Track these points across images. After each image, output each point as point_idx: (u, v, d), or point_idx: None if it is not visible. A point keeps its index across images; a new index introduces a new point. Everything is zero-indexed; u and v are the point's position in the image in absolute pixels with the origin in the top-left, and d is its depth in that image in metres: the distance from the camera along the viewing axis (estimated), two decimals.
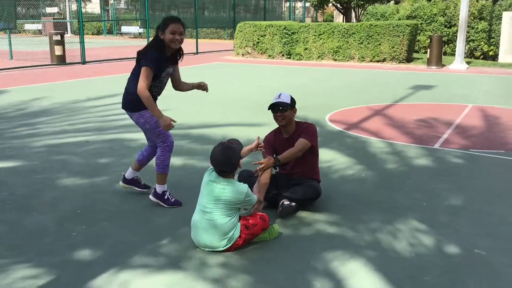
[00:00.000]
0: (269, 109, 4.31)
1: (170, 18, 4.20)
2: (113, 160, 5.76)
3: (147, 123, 4.29)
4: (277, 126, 4.42)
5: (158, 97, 4.46)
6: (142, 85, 4.07)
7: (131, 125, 7.55)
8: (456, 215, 4.19)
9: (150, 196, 4.36)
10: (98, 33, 39.81)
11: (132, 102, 4.29)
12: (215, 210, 3.44)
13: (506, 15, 17.67)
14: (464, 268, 3.30)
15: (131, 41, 30.67)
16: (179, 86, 4.74)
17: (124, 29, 36.61)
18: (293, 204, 4.13)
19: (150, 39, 23.22)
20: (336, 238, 3.75)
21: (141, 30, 32.34)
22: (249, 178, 4.23)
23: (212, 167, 3.59)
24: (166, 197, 4.33)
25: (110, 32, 39.73)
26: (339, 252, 3.49)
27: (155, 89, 4.32)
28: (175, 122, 4.20)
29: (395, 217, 4.11)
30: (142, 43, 22.99)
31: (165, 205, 4.30)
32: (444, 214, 4.23)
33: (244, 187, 3.53)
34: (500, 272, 3.26)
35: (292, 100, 4.32)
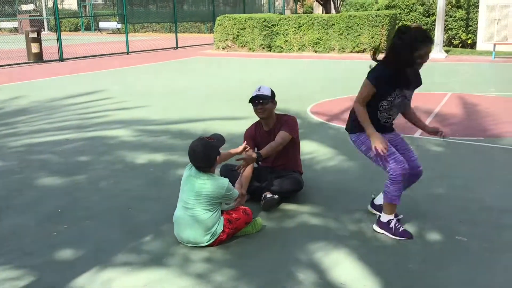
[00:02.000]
0: (249, 102, 4.29)
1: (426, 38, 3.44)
2: (94, 158, 5.69)
3: (363, 143, 3.66)
4: (258, 119, 4.41)
5: (387, 125, 3.73)
6: (357, 97, 3.57)
7: (112, 122, 7.48)
8: (437, 203, 4.24)
9: (374, 226, 3.71)
10: (76, 29, 39.28)
11: (352, 121, 3.70)
12: (197, 205, 3.42)
13: (483, 3, 17.87)
14: (446, 254, 3.34)
15: (110, 37, 30.34)
16: (406, 114, 3.93)
17: (102, 25, 36.14)
18: (276, 196, 4.13)
19: (129, 34, 22.74)
20: (319, 229, 3.76)
21: (119, 26, 31.95)
22: (231, 172, 4.22)
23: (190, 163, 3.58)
24: (391, 225, 3.60)
25: (88, 28, 39.22)
26: (322, 243, 3.50)
27: (383, 113, 3.62)
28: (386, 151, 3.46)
29: None
30: (121, 38, 22.76)
31: (391, 236, 3.58)
32: (425, 202, 4.26)
33: (224, 181, 3.52)
34: (480, 257, 3.30)
35: (272, 92, 4.31)
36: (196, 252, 3.40)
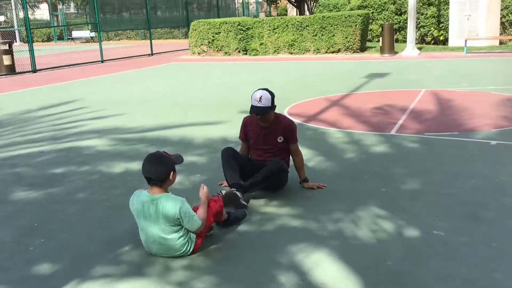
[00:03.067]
0: (250, 113, 4.42)
1: None
2: (70, 169, 5.61)
3: None
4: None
5: None
6: None
7: (87, 132, 7.39)
8: (415, 199, 4.28)
9: None
10: (49, 39, 38.76)
11: None
12: (161, 230, 3.29)
13: (453, 0, 18.16)
14: (425, 250, 3.37)
15: (83, 46, 29.99)
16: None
17: (75, 34, 35.74)
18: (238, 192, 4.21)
19: (103, 42, 22.64)
20: (299, 230, 3.76)
21: (92, 34, 31.67)
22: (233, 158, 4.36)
23: (138, 189, 3.48)
24: None
25: (60, 38, 38.73)
26: (303, 245, 3.51)
27: None
28: None
29: (356, 205, 4.16)
30: (95, 47, 22.53)
31: None
32: (403, 198, 4.30)
33: (178, 200, 3.29)
34: (458, 251, 3.34)
35: (272, 99, 4.39)
36: (176, 260, 3.36)
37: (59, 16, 41.79)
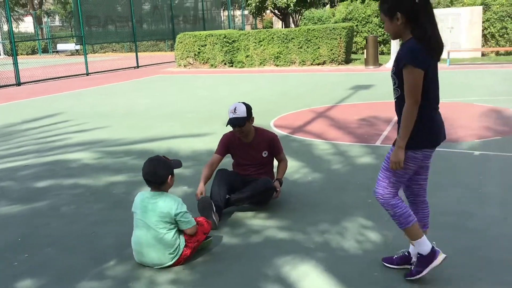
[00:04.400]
0: (226, 125, 4.38)
1: None
2: (54, 183, 5.56)
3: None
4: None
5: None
6: (411, 97, 2.87)
7: (72, 145, 7.34)
8: None
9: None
10: (33, 52, 38.53)
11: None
12: (155, 224, 3.38)
13: (435, 13, 18.42)
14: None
15: (68, 58, 29.86)
16: None
17: (60, 46, 35.58)
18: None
19: (88, 55, 22.42)
20: (286, 242, 3.77)
21: (77, 47, 31.53)
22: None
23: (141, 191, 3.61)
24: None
25: (45, 51, 38.55)
26: (290, 257, 3.51)
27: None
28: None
29: (343, 217, 4.18)
30: (80, 60, 22.44)
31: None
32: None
33: (175, 200, 3.44)
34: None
35: (248, 110, 4.37)
36: (162, 273, 3.34)
37: (44, 29, 41.59)
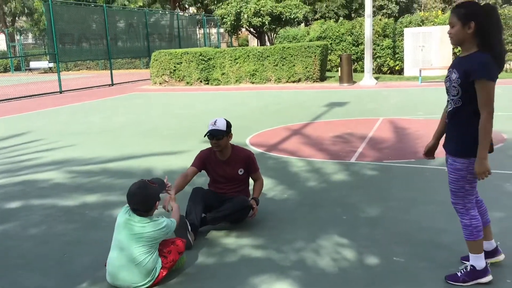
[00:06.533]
0: (204, 136, 4.37)
1: None
2: (25, 203, 5.44)
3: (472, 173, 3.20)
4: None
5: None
6: (487, 106, 3.05)
7: (44, 164, 7.21)
8: (375, 226, 4.34)
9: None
10: (5, 70, 37.92)
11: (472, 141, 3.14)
12: (137, 248, 3.32)
13: (407, 31, 18.88)
14: (386, 276, 3.41)
15: (41, 76, 29.49)
16: None
17: (33, 64, 35.12)
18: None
19: (62, 73, 22.07)
20: (262, 261, 3.75)
21: (51, 65, 31.19)
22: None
23: (126, 205, 3.52)
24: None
25: (18, 68, 37.97)
26: (265, 276, 3.49)
27: None
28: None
29: (318, 234, 4.18)
30: (53, 77, 22.16)
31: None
32: (363, 226, 4.36)
33: (162, 221, 3.47)
34: (418, 276, 3.39)
35: (228, 126, 4.40)
36: None
37: (17, 47, 41.04)
